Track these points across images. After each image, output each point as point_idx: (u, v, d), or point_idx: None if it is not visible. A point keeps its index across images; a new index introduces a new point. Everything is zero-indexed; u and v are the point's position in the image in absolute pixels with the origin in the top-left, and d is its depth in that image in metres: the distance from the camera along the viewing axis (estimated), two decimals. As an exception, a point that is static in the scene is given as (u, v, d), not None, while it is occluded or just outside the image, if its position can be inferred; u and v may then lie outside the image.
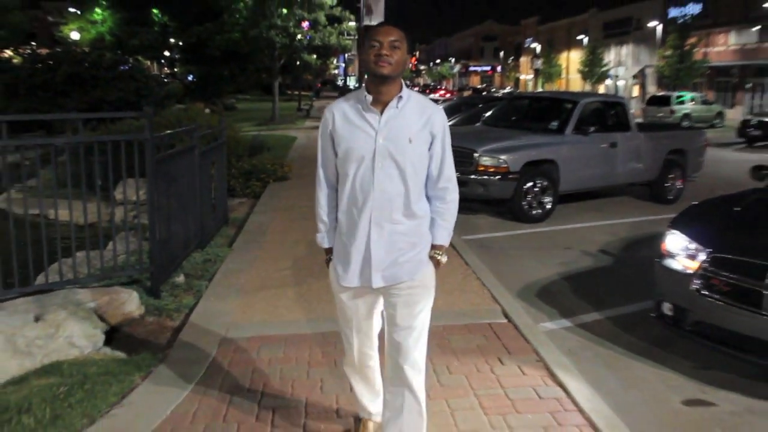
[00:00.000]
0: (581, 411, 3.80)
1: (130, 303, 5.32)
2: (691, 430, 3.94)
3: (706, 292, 4.58)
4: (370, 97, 2.79)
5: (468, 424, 3.66)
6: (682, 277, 4.75)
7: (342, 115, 2.86)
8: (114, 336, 4.93)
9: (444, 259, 3.02)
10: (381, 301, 3.04)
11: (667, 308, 4.91)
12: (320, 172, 3.04)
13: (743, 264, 4.47)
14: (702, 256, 4.68)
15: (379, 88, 2.78)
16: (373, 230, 2.83)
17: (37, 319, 4.53)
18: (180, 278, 6.17)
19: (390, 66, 2.70)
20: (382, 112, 2.79)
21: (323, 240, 3.08)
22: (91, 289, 5.42)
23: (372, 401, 3.40)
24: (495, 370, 4.37)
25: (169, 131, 6.97)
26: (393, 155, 2.76)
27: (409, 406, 2.98)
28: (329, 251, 3.09)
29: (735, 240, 4.76)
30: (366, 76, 2.84)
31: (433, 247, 2.98)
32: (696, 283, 4.64)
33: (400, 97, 2.79)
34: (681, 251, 4.89)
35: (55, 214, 5.60)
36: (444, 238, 3.00)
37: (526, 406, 3.87)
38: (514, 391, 4.06)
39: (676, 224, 5.16)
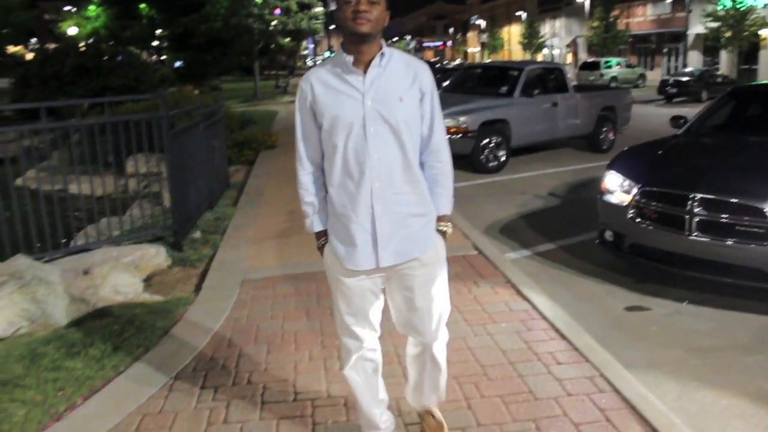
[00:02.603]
0: (545, 318, 4.05)
1: (158, 256, 5.44)
2: (633, 329, 4.23)
3: (639, 220, 4.85)
4: (350, 58, 2.23)
5: (456, 333, 3.86)
6: (620, 208, 5.00)
7: (321, 83, 2.28)
8: (149, 284, 5.07)
9: (450, 229, 2.51)
10: (384, 284, 2.48)
11: (608, 235, 5.17)
12: (301, 151, 2.40)
13: (667, 194, 4.74)
14: (634, 191, 4.93)
15: (358, 47, 2.22)
16: (376, 203, 2.28)
17: (85, 272, 4.65)
18: (197, 234, 6.29)
19: (369, 23, 2.15)
20: (365, 73, 2.25)
21: (312, 224, 2.46)
22: (124, 246, 5.53)
23: (380, 413, 2.67)
24: (472, 291, 4.60)
25: (181, 109, 7.02)
26: (384, 117, 2.22)
27: (431, 369, 2.62)
28: (321, 235, 2.46)
29: (660, 176, 5.02)
30: (343, 37, 2.29)
31: (438, 218, 2.46)
32: (631, 213, 4.90)
33: (383, 54, 2.25)
34: (617, 187, 5.13)
35: (90, 187, 5.68)
36: (446, 206, 2.48)
37: (501, 317, 4.12)
38: (490, 306, 4.30)
39: (612, 165, 5.41)
